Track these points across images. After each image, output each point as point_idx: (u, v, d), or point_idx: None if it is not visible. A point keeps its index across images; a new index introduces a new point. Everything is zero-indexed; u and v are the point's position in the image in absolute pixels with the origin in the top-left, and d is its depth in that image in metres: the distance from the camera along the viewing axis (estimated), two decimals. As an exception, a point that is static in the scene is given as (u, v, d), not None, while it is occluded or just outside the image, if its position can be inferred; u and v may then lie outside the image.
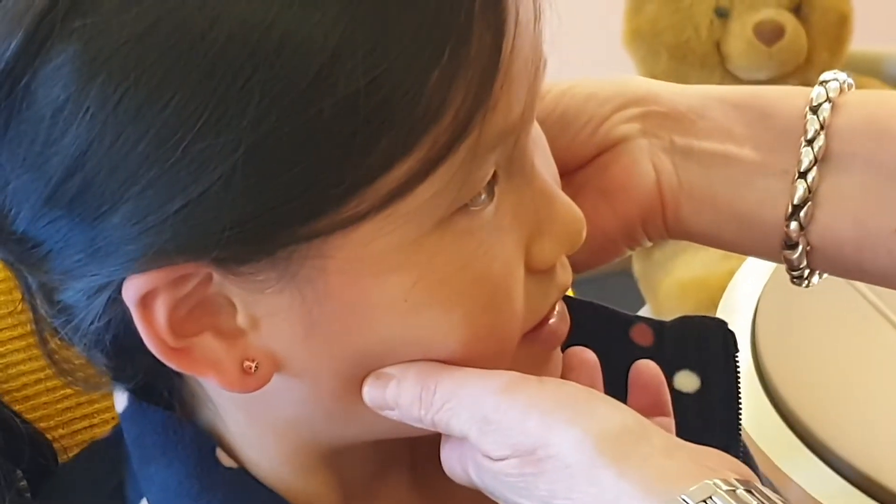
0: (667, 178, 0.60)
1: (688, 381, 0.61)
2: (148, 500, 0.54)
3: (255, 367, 0.50)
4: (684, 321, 0.63)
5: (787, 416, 1.01)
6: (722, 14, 1.69)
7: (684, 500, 0.46)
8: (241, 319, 0.50)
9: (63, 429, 0.63)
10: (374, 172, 0.47)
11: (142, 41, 0.46)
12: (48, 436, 0.60)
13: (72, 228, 0.48)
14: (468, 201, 0.50)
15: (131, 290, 0.49)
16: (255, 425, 0.54)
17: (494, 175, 0.50)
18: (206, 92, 0.46)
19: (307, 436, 0.54)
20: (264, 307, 0.49)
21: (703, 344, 0.62)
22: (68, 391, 0.62)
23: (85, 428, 0.64)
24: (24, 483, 0.57)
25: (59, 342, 0.55)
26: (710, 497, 0.46)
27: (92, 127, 0.47)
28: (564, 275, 0.54)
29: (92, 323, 0.51)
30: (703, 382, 0.61)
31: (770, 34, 1.66)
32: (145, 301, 0.49)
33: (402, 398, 0.51)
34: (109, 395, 0.58)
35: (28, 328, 0.56)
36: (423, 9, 0.47)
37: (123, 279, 0.49)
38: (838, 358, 1.08)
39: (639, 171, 0.60)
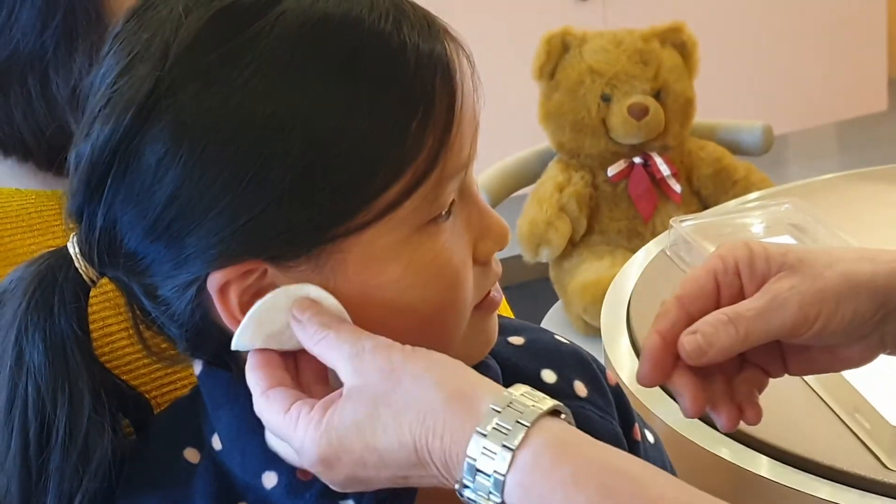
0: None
1: (549, 375, 0.60)
2: (218, 434, 0.55)
3: None
4: (542, 338, 0.62)
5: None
6: (606, 99, 1.69)
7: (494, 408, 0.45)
8: None
9: (156, 391, 0.63)
10: (375, 193, 0.49)
11: (214, 112, 0.47)
12: (146, 396, 0.60)
13: (169, 243, 0.49)
14: (436, 216, 0.51)
15: (212, 283, 0.49)
16: None
17: (453, 201, 0.52)
18: (260, 145, 0.47)
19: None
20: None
21: (556, 353, 0.62)
22: (159, 365, 0.61)
23: (171, 390, 0.64)
24: (130, 428, 0.57)
25: (149, 333, 0.55)
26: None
27: (184, 170, 0.48)
28: (497, 266, 0.55)
29: (185, 308, 0.51)
30: (558, 377, 0.61)
31: (639, 112, 1.66)
32: (222, 290, 0.50)
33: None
34: (188, 368, 0.59)
35: (129, 323, 0.56)
36: (402, 86, 0.49)
37: (206, 275, 0.49)
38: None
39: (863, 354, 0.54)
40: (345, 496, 0.51)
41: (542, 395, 0.47)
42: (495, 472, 0.44)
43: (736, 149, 1.79)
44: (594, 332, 1.52)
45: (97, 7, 0.60)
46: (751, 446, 0.89)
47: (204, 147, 0.47)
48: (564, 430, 0.45)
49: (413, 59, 0.49)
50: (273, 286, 0.50)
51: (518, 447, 0.44)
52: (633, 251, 1.34)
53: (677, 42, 1.71)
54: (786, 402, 0.92)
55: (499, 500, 0.44)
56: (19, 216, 0.65)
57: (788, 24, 2.38)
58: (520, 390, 0.47)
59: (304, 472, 0.52)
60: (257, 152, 0.47)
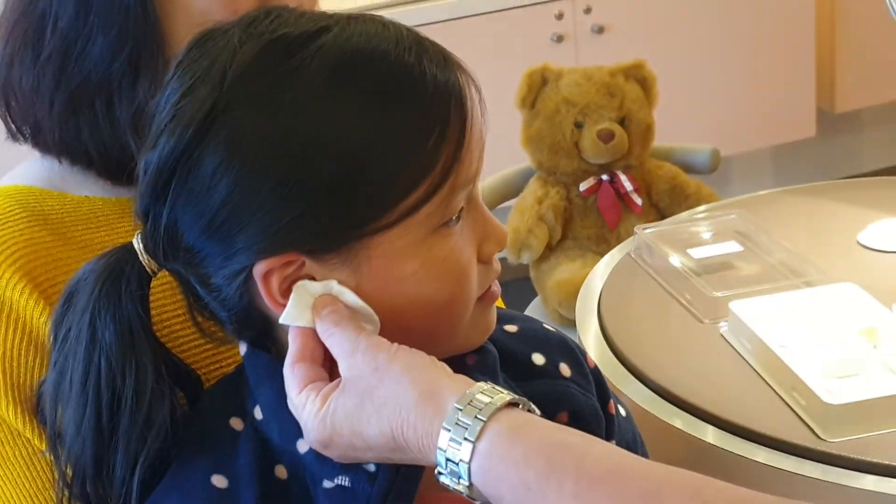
0: None
1: (539, 358, 0.61)
2: (259, 406, 0.55)
3: None
4: (533, 326, 0.63)
5: (619, 356, 1.02)
6: (579, 126, 1.70)
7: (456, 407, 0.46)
8: None
9: (205, 368, 0.63)
10: (397, 199, 0.50)
11: (263, 129, 0.49)
12: (197, 373, 0.61)
13: (221, 239, 0.50)
14: (448, 220, 0.52)
15: (258, 271, 0.51)
16: None
17: (462, 208, 0.53)
18: (301, 158, 0.49)
19: None
20: (333, 279, 0.51)
21: (545, 339, 0.62)
22: (208, 346, 0.63)
23: (217, 368, 0.64)
24: (184, 401, 0.58)
25: (202, 317, 0.56)
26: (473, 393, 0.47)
27: (237, 178, 0.49)
28: (497, 265, 0.57)
29: (233, 293, 0.52)
30: (546, 360, 0.61)
31: (606, 137, 1.67)
32: (266, 277, 0.51)
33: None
34: (232, 348, 0.59)
35: (184, 309, 0.57)
36: (421, 110, 0.50)
37: (253, 265, 0.50)
38: (648, 319, 1.08)
39: None
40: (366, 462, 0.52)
41: (500, 390, 0.48)
42: (461, 460, 0.46)
43: (688, 168, 1.80)
44: (569, 324, 1.54)
45: (160, 45, 0.61)
46: (700, 417, 0.90)
47: (254, 159, 0.48)
48: (517, 418, 0.46)
49: (431, 87, 0.50)
50: (309, 276, 0.51)
51: (476, 439, 0.46)
52: (601, 255, 1.35)
53: (639, 77, 1.73)
54: (732, 380, 0.94)
55: (467, 483, 0.46)
56: (88, 218, 0.66)
57: (732, 62, 2.42)
58: (481, 388, 0.47)
59: None
60: (299, 164, 0.48)
